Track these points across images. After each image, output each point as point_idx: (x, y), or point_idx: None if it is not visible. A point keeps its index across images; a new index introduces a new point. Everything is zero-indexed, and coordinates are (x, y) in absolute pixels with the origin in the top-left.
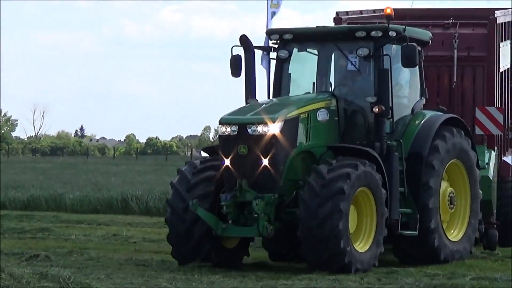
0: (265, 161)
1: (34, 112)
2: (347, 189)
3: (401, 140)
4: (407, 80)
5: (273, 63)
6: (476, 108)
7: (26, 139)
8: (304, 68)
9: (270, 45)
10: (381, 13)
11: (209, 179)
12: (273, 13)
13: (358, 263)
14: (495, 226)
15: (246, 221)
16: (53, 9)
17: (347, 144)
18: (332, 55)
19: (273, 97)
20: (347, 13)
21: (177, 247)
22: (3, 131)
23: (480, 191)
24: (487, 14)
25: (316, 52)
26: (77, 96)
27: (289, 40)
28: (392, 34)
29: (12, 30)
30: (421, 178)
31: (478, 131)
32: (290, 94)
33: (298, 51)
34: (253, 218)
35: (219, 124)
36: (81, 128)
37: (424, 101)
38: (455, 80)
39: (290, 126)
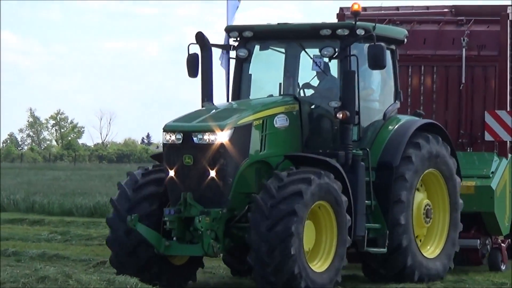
0: (212, 173)
1: (101, 119)
2: (299, 209)
3: (368, 149)
4: (379, 82)
5: (232, 63)
6: (485, 112)
7: (92, 146)
8: (268, 68)
9: (230, 43)
10: (388, 11)
11: (152, 196)
12: (236, 6)
13: (317, 285)
14: (500, 246)
15: (192, 238)
16: (117, 17)
17: (304, 153)
18: (300, 54)
19: (232, 100)
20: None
21: (121, 270)
22: (69, 138)
23: (461, 201)
24: (500, 11)
25: (283, 50)
26: (143, 103)
27: (249, 38)
28: (360, 32)
29: (78, 38)
30: (392, 191)
31: (487, 136)
32: (251, 97)
33: (260, 49)
34: (198, 235)
35: (163, 131)
36: (148, 136)
37: (398, 105)
38: (463, 81)
39: (241, 134)
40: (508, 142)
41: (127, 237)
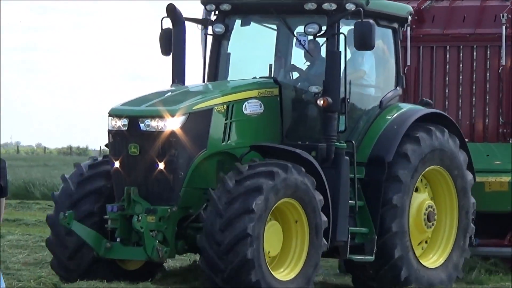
0: (161, 165)
1: None
2: (257, 207)
3: (353, 142)
4: (373, 65)
5: (210, 39)
6: None
7: None
8: (254, 47)
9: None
10: None
11: (98, 191)
12: None
13: None
14: None
15: (139, 239)
16: None
17: (273, 144)
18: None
19: (208, 81)
20: None
21: (62, 275)
22: None
23: (473, 200)
24: None
25: (274, 27)
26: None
27: (227, 12)
28: (350, 7)
29: None
30: (383, 193)
31: None
32: (229, 78)
33: (241, 25)
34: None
35: (108, 115)
36: None
37: (399, 91)
38: (503, 63)
39: (197, 121)
40: None
41: (69, 238)
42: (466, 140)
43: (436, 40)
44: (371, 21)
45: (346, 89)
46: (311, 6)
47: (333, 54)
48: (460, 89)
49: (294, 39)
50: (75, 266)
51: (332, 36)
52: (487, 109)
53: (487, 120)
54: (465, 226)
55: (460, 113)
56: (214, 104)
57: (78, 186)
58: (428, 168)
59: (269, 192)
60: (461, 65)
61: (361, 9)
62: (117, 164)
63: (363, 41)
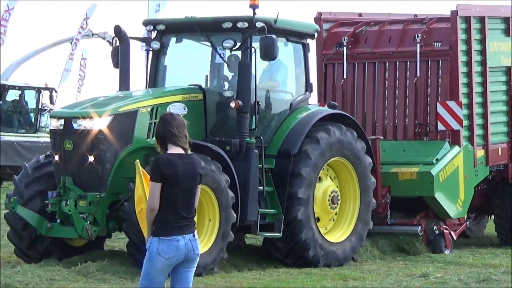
0: (91, 158)
1: None
2: None
3: (261, 137)
4: (286, 74)
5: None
6: (437, 103)
7: None
8: (192, 60)
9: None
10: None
11: (48, 176)
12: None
13: (199, 266)
14: (443, 232)
15: None
16: None
17: (193, 140)
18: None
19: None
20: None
21: (26, 260)
22: None
23: (373, 179)
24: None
25: (208, 44)
26: None
27: (163, 31)
28: (260, 25)
29: None
30: (290, 187)
31: (440, 126)
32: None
33: (176, 42)
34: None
35: (50, 117)
36: None
37: (309, 96)
38: (418, 75)
39: (122, 121)
40: (461, 131)
41: (24, 232)
42: (390, 138)
43: (367, 57)
44: (273, 36)
45: (256, 94)
46: (227, 24)
47: (245, 64)
48: (386, 97)
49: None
50: (34, 252)
51: (245, 49)
52: (407, 112)
53: (407, 122)
54: (367, 202)
55: (386, 116)
56: (139, 107)
57: (34, 170)
58: (329, 161)
59: None
60: (386, 77)
61: (265, 26)
62: (56, 157)
63: (267, 53)
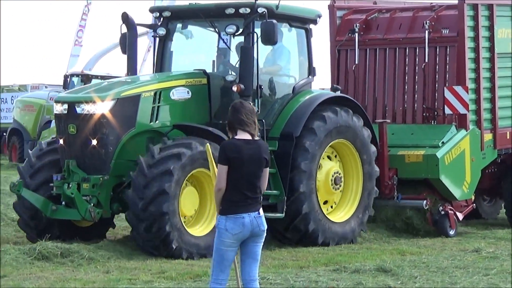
0: (94, 142)
1: None
2: (175, 170)
3: (263, 120)
4: (289, 59)
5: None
6: (445, 87)
7: None
8: (199, 45)
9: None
10: (382, 5)
11: (52, 164)
12: None
13: (193, 248)
14: (448, 213)
15: None
16: None
17: (192, 124)
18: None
19: None
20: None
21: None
22: None
23: (377, 169)
24: None
25: (215, 30)
26: None
27: (169, 18)
28: (262, 10)
29: None
30: (292, 160)
31: (447, 110)
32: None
33: (182, 28)
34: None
35: (54, 102)
36: None
37: (312, 80)
38: (426, 61)
39: (125, 105)
40: (467, 115)
41: (32, 221)
42: (400, 122)
43: (378, 43)
44: (274, 21)
45: (258, 78)
46: (230, 10)
47: (246, 49)
48: (396, 81)
49: (220, 38)
50: (46, 233)
51: (247, 34)
52: (416, 97)
53: (415, 106)
54: (370, 189)
55: (395, 100)
56: (142, 91)
57: (37, 159)
58: (334, 141)
59: (187, 159)
60: (396, 63)
61: (266, 11)
62: (61, 141)
63: (268, 38)
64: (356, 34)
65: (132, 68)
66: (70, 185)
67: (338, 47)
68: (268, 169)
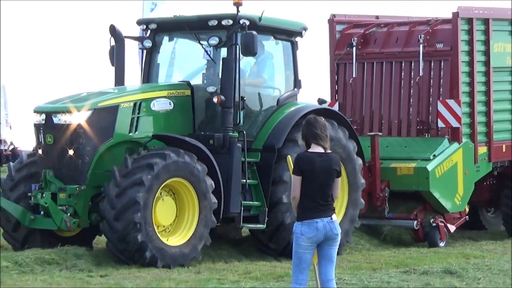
0: (70, 152)
1: None
2: (147, 180)
3: (244, 132)
4: (273, 71)
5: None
6: (438, 101)
7: None
8: (182, 57)
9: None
10: (381, 20)
11: (31, 177)
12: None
13: (167, 257)
14: (438, 225)
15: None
16: None
17: (169, 134)
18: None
19: None
20: (345, 16)
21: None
22: None
23: (362, 181)
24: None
25: (199, 42)
26: None
27: (155, 30)
28: (245, 22)
29: None
30: (274, 171)
31: (440, 123)
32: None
33: (169, 40)
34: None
35: (33, 112)
36: None
37: (297, 92)
38: (420, 74)
39: (102, 116)
40: (460, 128)
41: (15, 233)
42: (395, 135)
43: (375, 57)
44: (254, 32)
45: (239, 89)
46: (213, 22)
47: (228, 61)
48: (392, 95)
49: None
50: (30, 244)
51: (230, 46)
52: (411, 110)
53: (410, 119)
54: (355, 201)
55: (391, 113)
56: (119, 102)
57: (16, 172)
58: None
59: (160, 169)
60: (393, 76)
61: (248, 23)
62: (39, 151)
63: (248, 49)
64: (354, 48)
65: (119, 80)
66: (44, 195)
67: (337, 61)
68: (339, 178)
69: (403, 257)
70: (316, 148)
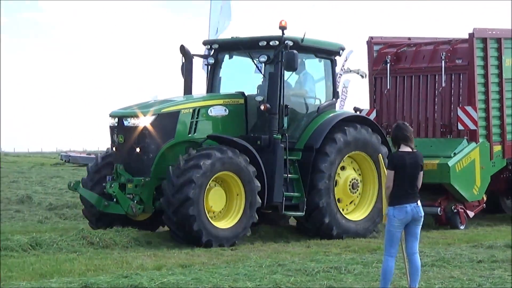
0: (137, 149)
1: None
2: (197, 179)
3: (286, 134)
4: (314, 84)
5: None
6: (457, 107)
7: None
8: (240, 72)
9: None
10: (411, 41)
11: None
12: (217, 30)
13: (223, 239)
14: (458, 211)
15: None
16: None
17: (223, 135)
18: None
19: None
20: (381, 37)
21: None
22: None
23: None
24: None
25: (251, 59)
26: None
27: (217, 49)
28: (289, 43)
29: None
30: (314, 164)
31: (460, 126)
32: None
33: (229, 58)
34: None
35: (109, 116)
36: None
37: (336, 102)
38: (443, 85)
39: (165, 120)
40: (477, 130)
41: (92, 209)
42: (423, 136)
43: (406, 72)
44: (294, 51)
45: (283, 98)
46: (263, 43)
47: (274, 75)
48: (420, 103)
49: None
50: (101, 223)
51: (276, 63)
52: (435, 115)
53: (435, 123)
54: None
55: (419, 118)
56: (181, 108)
57: (94, 173)
58: (354, 153)
59: (207, 167)
60: (420, 88)
61: (292, 43)
62: (114, 149)
63: (289, 65)
64: (388, 65)
65: (188, 90)
66: (112, 185)
67: (374, 75)
68: (422, 172)
69: (471, 235)
70: (405, 148)
